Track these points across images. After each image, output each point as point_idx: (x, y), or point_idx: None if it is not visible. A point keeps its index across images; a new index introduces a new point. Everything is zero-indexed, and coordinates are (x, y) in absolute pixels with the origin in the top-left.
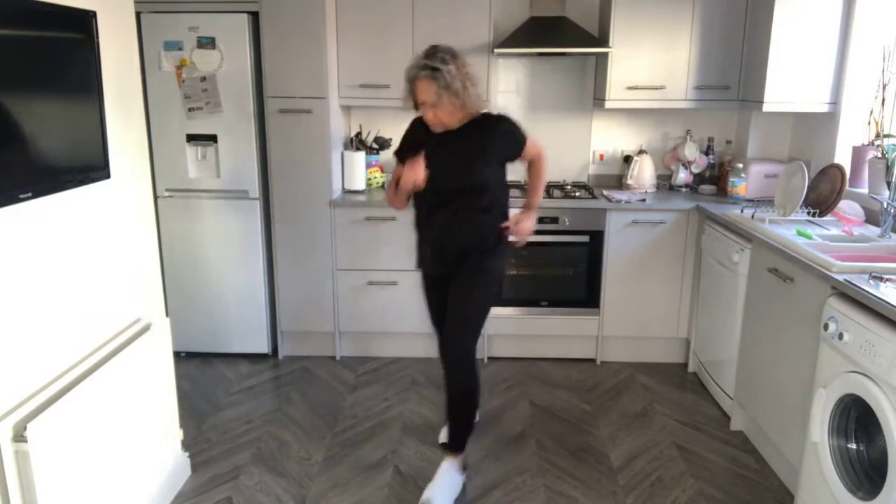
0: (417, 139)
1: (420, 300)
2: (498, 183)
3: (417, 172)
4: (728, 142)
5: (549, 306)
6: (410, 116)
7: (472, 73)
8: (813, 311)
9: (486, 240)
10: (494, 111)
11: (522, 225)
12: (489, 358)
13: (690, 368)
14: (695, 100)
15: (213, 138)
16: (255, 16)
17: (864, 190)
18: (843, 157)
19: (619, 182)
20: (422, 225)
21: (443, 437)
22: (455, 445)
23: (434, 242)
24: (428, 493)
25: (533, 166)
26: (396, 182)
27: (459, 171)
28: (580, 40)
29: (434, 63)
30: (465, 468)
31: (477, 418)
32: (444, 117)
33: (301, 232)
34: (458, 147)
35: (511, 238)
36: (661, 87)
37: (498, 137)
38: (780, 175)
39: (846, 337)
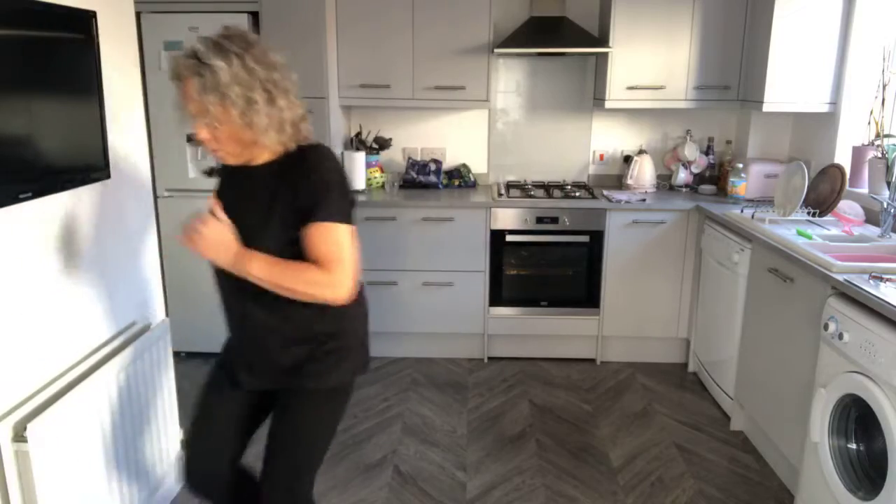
0: (222, 174)
1: (420, 300)
2: None
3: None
4: (728, 142)
5: (549, 306)
6: (410, 115)
7: (281, 85)
8: (813, 311)
9: (325, 340)
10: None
11: (205, 236)
12: (489, 358)
13: (690, 368)
14: (695, 100)
15: None
16: (255, 16)
17: (864, 190)
18: (843, 157)
19: (619, 182)
20: (229, 315)
21: None
22: None
23: (237, 340)
24: None
25: (312, 264)
26: None
27: (249, 233)
28: (580, 40)
29: (202, 51)
30: None
31: None
32: (226, 141)
33: None
34: (252, 192)
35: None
36: (661, 87)
37: (298, 178)
38: (780, 175)
39: (846, 337)
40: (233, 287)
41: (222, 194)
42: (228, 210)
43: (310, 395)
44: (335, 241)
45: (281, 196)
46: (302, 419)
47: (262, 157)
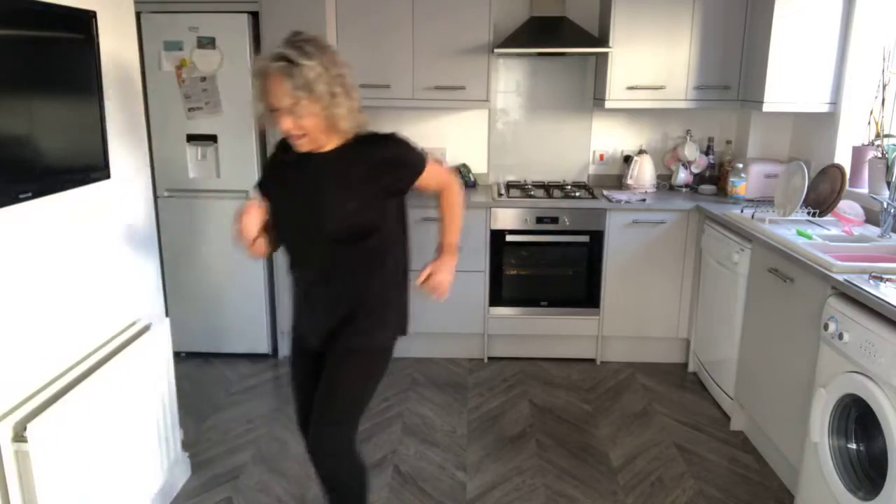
0: (277, 163)
1: (420, 300)
2: (386, 224)
3: (246, 220)
4: (728, 142)
5: (549, 306)
6: (410, 115)
7: (348, 81)
8: (813, 311)
9: (369, 304)
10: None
11: (439, 278)
12: (489, 358)
13: (690, 368)
14: (695, 100)
15: (213, 138)
16: (255, 16)
17: (864, 190)
18: (843, 157)
19: (619, 182)
20: (293, 280)
21: None
22: None
23: (303, 307)
24: None
25: (440, 198)
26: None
27: (314, 210)
28: (580, 40)
29: (292, 54)
30: None
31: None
32: (308, 130)
33: None
34: (317, 176)
35: (428, 293)
36: (661, 87)
37: (376, 164)
38: (780, 175)
39: (846, 337)
40: (305, 269)
41: (286, 178)
42: (298, 190)
43: (354, 353)
44: (435, 172)
45: (350, 178)
46: (347, 374)
47: (330, 143)
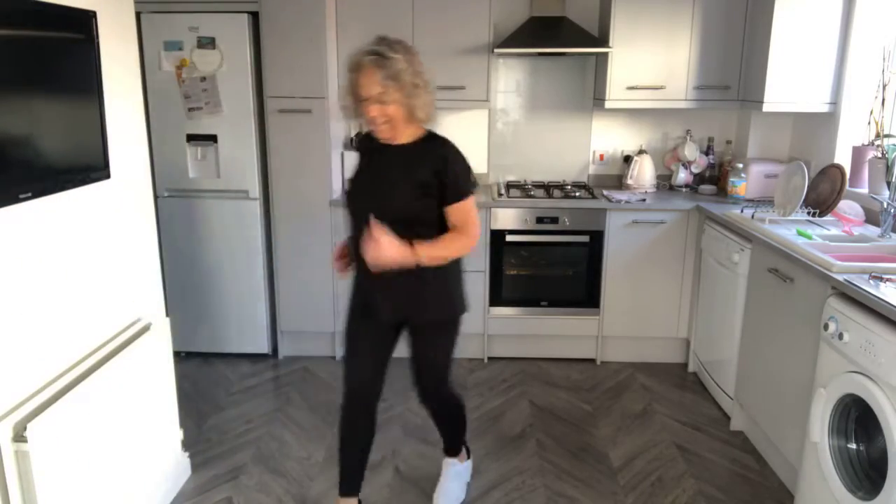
0: (363, 150)
1: None
2: (439, 219)
3: (338, 262)
4: (728, 142)
5: (549, 306)
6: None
7: (427, 78)
8: (813, 311)
9: (432, 282)
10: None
11: (383, 245)
12: (489, 358)
13: (690, 368)
14: (695, 100)
15: (213, 138)
16: (255, 16)
17: (864, 190)
18: (843, 157)
19: (619, 182)
20: (358, 263)
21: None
22: (454, 449)
23: (372, 286)
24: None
25: (451, 232)
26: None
27: (381, 192)
28: (580, 40)
29: (383, 49)
30: (467, 454)
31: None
32: (391, 117)
33: (301, 232)
34: (389, 163)
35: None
36: (661, 87)
37: (436, 159)
38: (780, 175)
39: (846, 337)
40: None
41: (365, 167)
42: (371, 176)
43: (432, 325)
44: (465, 212)
45: (417, 169)
46: (432, 342)
47: (403, 137)
